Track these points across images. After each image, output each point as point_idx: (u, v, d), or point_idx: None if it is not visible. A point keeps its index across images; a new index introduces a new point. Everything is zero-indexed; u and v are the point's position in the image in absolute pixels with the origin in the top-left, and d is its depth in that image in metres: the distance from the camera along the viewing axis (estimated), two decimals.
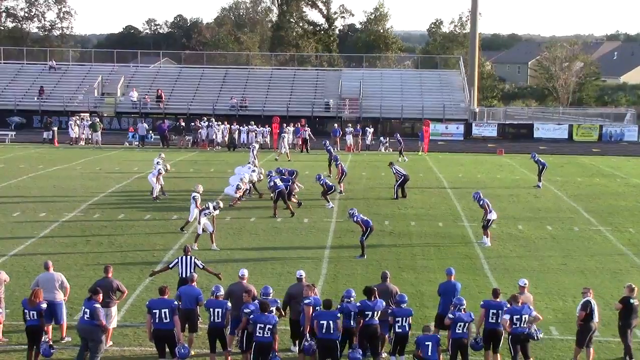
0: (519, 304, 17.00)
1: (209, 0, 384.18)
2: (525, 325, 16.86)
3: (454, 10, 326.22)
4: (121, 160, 50.30)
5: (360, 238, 26.57)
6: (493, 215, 28.61)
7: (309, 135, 58.28)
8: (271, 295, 17.39)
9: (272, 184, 33.40)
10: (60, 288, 18.38)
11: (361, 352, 16.73)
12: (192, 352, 17.24)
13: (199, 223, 27.18)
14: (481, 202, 28.82)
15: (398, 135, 55.88)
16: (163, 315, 16.54)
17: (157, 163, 36.72)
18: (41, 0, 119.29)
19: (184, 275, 19.62)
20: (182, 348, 16.55)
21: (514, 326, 16.79)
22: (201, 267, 20.02)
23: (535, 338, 17.19)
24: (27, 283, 21.12)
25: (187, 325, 17.70)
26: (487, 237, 28.57)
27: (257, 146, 45.55)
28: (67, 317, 18.56)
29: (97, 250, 26.90)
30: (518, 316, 16.81)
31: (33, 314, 16.82)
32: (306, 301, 17.06)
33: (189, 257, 19.99)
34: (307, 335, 16.81)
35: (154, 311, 16.62)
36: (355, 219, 26.42)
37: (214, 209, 27.24)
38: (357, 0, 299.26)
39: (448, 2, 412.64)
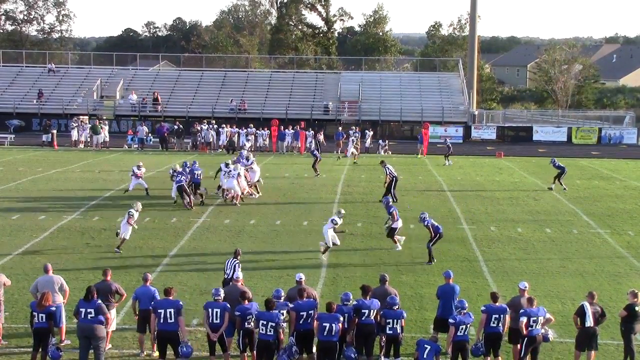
0: (534, 306, 17.06)
1: (208, 3, 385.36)
2: (539, 327, 16.95)
3: (453, 13, 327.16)
4: (120, 163, 50.30)
5: (428, 244, 26.22)
6: (399, 224, 28.07)
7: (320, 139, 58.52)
8: (282, 298, 17.48)
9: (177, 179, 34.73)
10: (59, 291, 18.38)
11: (354, 351, 16.78)
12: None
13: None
14: (391, 210, 28.28)
15: (448, 140, 55.68)
16: (168, 315, 16.69)
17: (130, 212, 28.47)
18: (40, 3, 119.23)
19: (228, 276, 19.83)
20: (185, 347, 16.69)
21: (530, 328, 16.84)
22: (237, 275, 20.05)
23: (549, 340, 17.28)
24: (27, 286, 21.13)
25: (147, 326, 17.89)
26: (395, 242, 28.00)
27: (247, 145, 47.31)
28: (66, 320, 18.52)
29: (96, 253, 26.90)
30: (535, 318, 16.87)
31: (42, 316, 16.84)
32: (290, 305, 17.21)
33: (235, 259, 20.13)
34: (292, 338, 16.90)
35: (158, 311, 16.76)
36: (425, 222, 26.16)
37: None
38: (357, 3, 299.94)
39: (447, 4, 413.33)
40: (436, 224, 26.43)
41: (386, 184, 37.26)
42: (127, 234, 26.74)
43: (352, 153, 55.24)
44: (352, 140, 56.55)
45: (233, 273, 19.66)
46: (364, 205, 36.32)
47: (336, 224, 26.49)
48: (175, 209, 34.37)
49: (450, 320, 16.79)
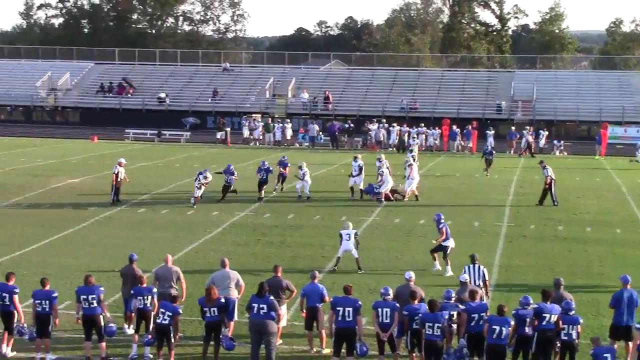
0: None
1: (380, 2, 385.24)
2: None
3: (635, 9, 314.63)
4: (291, 161, 50.68)
5: None
6: (451, 243, 24.40)
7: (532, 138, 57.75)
8: (452, 299, 17.29)
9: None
10: (235, 286, 18.67)
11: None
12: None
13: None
14: (441, 226, 24.60)
15: None
16: (346, 314, 16.77)
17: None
18: (216, 3, 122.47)
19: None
20: (364, 346, 16.96)
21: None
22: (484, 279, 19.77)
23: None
24: (200, 280, 21.46)
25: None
26: (447, 264, 24.26)
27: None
28: (238, 315, 18.78)
29: (267, 249, 27.22)
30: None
31: (214, 310, 17.22)
32: (461, 307, 16.93)
33: (476, 265, 19.84)
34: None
35: (337, 309, 16.85)
36: None
37: None
38: (532, 0, 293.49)
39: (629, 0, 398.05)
40: None
41: (546, 186, 35.90)
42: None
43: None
44: None
45: (479, 279, 19.41)
46: (536, 207, 35.29)
47: None
48: (348, 205, 34.41)
49: (637, 326, 16.13)
